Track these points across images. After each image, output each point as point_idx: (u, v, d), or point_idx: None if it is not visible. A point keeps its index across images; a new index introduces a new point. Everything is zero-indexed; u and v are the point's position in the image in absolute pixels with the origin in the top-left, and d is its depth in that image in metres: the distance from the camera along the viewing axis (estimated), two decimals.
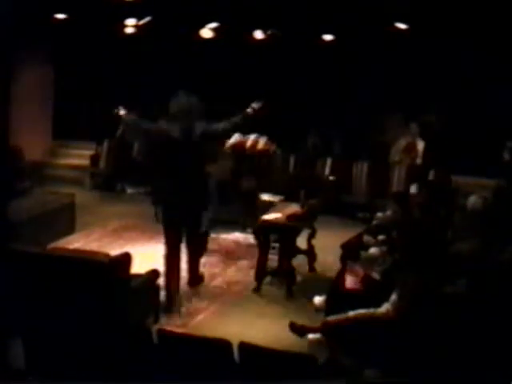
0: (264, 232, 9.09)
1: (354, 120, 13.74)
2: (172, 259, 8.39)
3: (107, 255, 7.41)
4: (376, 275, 7.41)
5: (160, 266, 8.29)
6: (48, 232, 10.17)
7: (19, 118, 14.14)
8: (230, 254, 10.36)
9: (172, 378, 5.41)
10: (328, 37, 12.67)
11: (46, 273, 7.32)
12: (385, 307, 6.66)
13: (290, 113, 13.82)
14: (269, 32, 12.45)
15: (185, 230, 8.51)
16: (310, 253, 9.59)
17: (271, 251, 9.13)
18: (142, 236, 11.06)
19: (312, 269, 9.58)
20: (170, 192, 8.35)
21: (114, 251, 8.18)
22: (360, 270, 7.56)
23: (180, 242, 8.48)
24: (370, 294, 7.11)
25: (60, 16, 12.45)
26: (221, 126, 8.45)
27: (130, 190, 14.00)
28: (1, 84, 7.43)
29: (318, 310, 7.96)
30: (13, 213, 10.14)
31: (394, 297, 6.65)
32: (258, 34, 12.59)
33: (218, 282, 9.27)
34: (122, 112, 8.76)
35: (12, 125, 14.02)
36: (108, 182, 14.09)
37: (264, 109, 8.64)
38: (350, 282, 7.47)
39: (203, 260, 9.86)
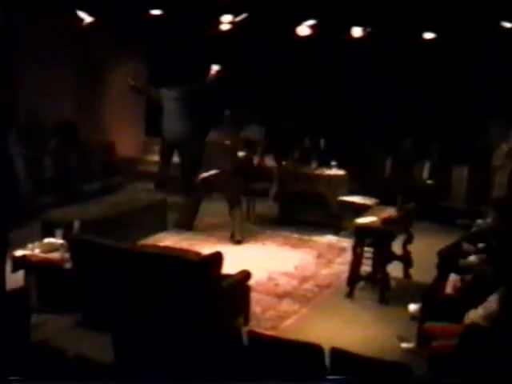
0: (358, 236, 9.05)
1: (455, 122, 13.49)
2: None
3: (198, 254, 7.50)
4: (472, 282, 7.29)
5: (250, 266, 8.35)
6: (139, 228, 10.42)
7: (113, 114, 14.58)
8: (323, 257, 10.38)
9: (262, 380, 5.44)
10: (429, 35, 12.48)
11: (136, 270, 7.48)
12: (475, 313, 6.55)
13: (387, 113, 13.69)
14: (368, 29, 12.34)
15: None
16: (406, 259, 9.49)
17: (365, 256, 9.07)
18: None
19: (407, 275, 9.49)
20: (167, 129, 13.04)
21: (205, 250, 8.30)
22: (458, 281, 7.43)
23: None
24: (467, 301, 6.99)
25: (155, 12, 12.63)
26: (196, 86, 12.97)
27: None
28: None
29: (412, 317, 7.87)
30: (105, 208, 10.47)
31: (489, 304, 6.53)
32: (357, 32, 12.50)
33: (309, 285, 9.30)
34: (132, 82, 12.95)
35: (106, 121, 14.52)
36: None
37: (223, 70, 12.77)
38: (449, 288, 7.38)
39: (295, 262, 9.93)
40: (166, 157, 13.42)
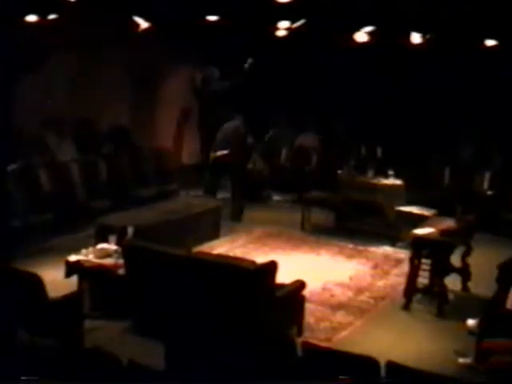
0: (415, 247, 8.97)
1: None
2: None
3: (253, 262, 7.52)
4: None
5: (305, 276, 8.32)
6: (193, 235, 10.47)
7: (168, 120, 14.70)
8: (379, 268, 10.31)
9: None
10: (490, 42, 12.30)
11: (189, 277, 7.52)
12: None
13: (446, 120, 13.56)
14: (427, 36, 12.22)
15: None
16: (465, 271, 9.38)
17: (422, 267, 8.98)
18: (286, 244, 11.28)
19: (466, 288, 9.37)
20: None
21: (258, 259, 8.30)
22: None
23: None
24: None
25: (211, 18, 12.67)
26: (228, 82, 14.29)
27: (276, 197, 14.18)
28: None
29: (471, 332, 7.76)
30: (159, 214, 10.56)
31: None
32: (416, 38, 12.39)
33: (364, 296, 9.25)
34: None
35: (160, 127, 14.64)
36: (254, 187, 14.28)
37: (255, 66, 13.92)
38: (510, 303, 7.25)
39: (351, 272, 9.87)
40: None
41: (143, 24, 12.18)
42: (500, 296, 7.56)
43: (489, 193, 12.50)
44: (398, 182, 11.84)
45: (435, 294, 8.82)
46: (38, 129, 12.08)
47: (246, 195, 12.84)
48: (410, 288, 8.88)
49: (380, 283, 9.75)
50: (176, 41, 13.51)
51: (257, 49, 14.12)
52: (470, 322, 7.96)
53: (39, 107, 11.92)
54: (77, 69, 12.44)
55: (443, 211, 10.27)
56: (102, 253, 8.35)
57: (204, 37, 13.66)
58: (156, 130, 14.69)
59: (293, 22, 12.46)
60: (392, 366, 5.35)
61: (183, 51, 14.16)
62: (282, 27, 12.66)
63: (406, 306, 8.82)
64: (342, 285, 9.57)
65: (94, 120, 13.14)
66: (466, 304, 8.90)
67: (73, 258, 8.31)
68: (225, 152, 12.46)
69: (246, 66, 13.64)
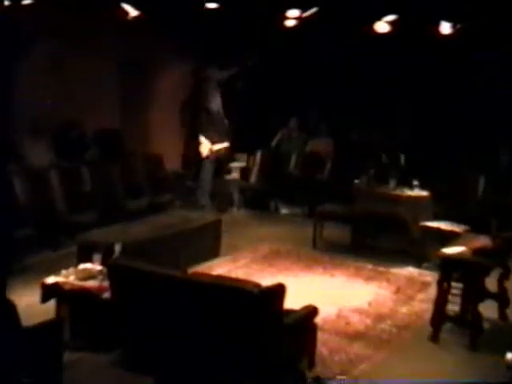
0: (445, 268, 8.89)
1: None
2: None
3: (258, 285, 7.43)
4: None
5: (317, 301, 8.26)
6: (189, 253, 10.44)
7: (161, 123, 14.67)
8: (402, 293, 10.26)
9: None
10: None
11: (185, 301, 7.46)
12: None
13: (479, 124, 13.51)
14: (458, 26, 12.20)
15: None
16: (502, 297, 9.29)
17: (453, 292, 8.91)
18: (296, 264, 11.27)
19: (503, 316, 9.29)
20: None
21: (264, 281, 8.23)
22: None
23: None
24: None
25: (210, 6, 12.63)
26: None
27: (284, 210, 14.17)
28: None
29: (510, 367, 7.66)
30: (151, 229, 10.51)
31: None
32: (445, 28, 12.36)
33: (386, 324, 9.18)
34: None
35: (153, 131, 14.62)
36: (259, 199, 14.28)
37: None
38: None
39: (369, 297, 9.80)
40: None
41: (132, 12, 12.15)
42: None
43: None
44: (424, 193, 11.83)
45: (468, 323, 8.73)
46: (12, 131, 12.02)
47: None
48: (439, 316, 8.80)
49: (403, 310, 9.69)
50: (171, 32, 13.49)
51: (262, 41, 14.09)
52: (509, 355, 7.86)
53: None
54: (56, 62, 12.38)
55: (476, 227, 10.25)
56: (84, 274, 8.29)
57: (202, 27, 13.66)
58: (149, 133, 14.67)
59: (303, 10, 12.46)
60: None
61: (179, 43, 14.13)
62: (292, 16, 12.66)
63: (434, 337, 8.73)
64: (359, 311, 9.52)
65: (78, 122, 13.10)
66: (503, 334, 8.82)
67: (50, 279, 8.23)
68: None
69: (248, 58, 13.65)
